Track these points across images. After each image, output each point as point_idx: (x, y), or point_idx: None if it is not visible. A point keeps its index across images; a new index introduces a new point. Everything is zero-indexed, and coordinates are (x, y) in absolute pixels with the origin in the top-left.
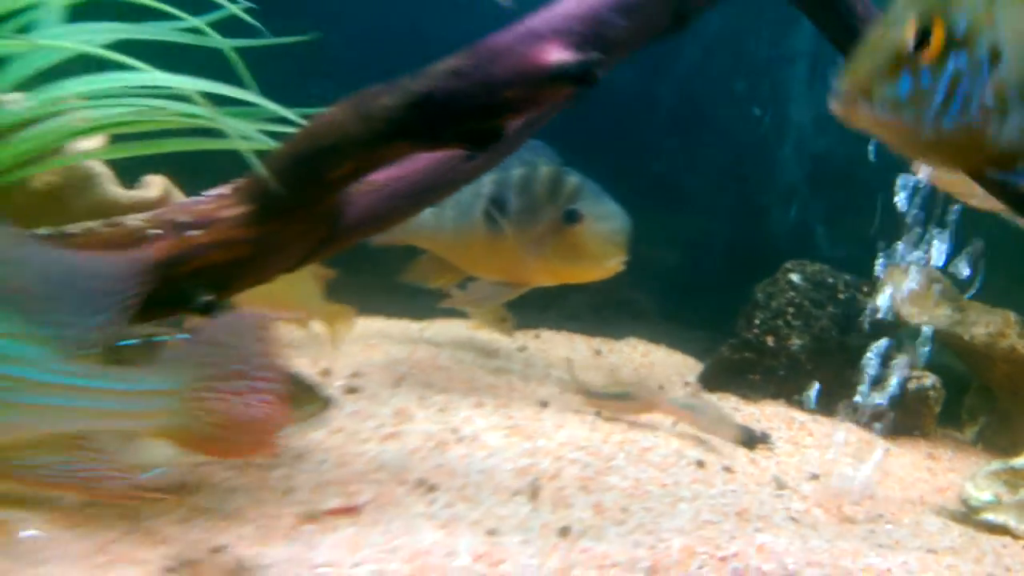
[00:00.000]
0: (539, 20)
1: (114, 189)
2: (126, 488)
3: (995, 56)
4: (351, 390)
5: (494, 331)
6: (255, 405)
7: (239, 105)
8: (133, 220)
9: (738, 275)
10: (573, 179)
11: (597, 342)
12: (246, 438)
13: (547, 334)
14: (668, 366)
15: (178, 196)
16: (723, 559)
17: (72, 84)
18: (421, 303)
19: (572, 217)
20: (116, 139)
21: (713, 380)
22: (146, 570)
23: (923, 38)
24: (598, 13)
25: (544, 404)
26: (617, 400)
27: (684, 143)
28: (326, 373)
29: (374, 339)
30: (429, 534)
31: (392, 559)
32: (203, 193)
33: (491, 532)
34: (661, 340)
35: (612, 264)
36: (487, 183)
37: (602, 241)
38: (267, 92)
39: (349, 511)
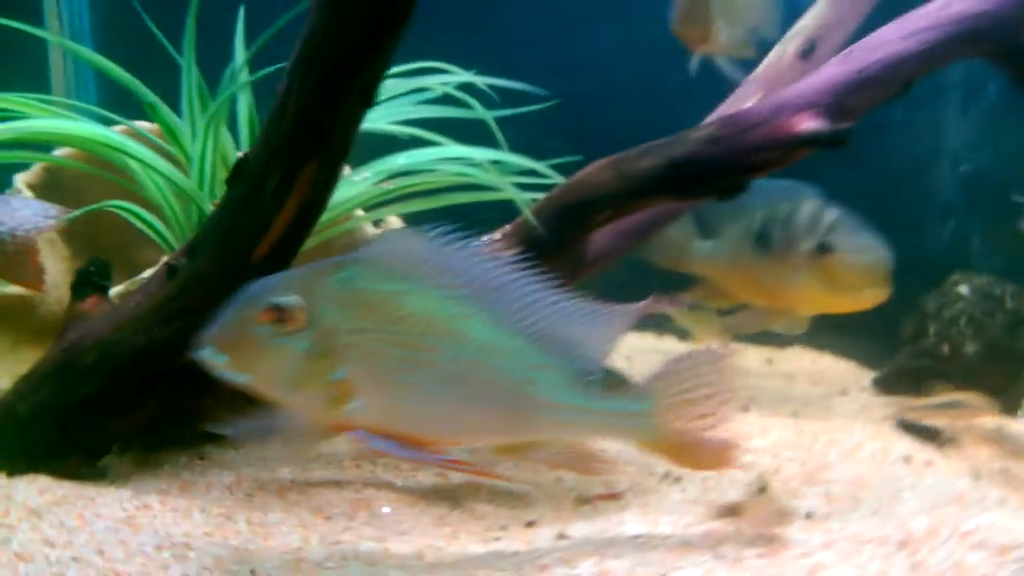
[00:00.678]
0: (789, 94)
1: (368, 228)
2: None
3: None
4: None
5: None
6: (717, 428)
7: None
8: None
9: (898, 285)
10: (833, 213)
11: (766, 351)
12: (710, 455)
13: (716, 344)
14: (838, 373)
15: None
16: (964, 534)
17: (392, 158)
18: None
19: (824, 248)
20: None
21: (892, 384)
22: (479, 537)
23: None
24: (839, 87)
25: (746, 409)
26: (948, 409)
27: (849, 167)
28: None
29: None
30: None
31: (690, 534)
32: (483, 238)
33: None
34: (825, 348)
35: (870, 295)
36: (757, 218)
37: (856, 272)
38: (514, 148)
39: (613, 496)
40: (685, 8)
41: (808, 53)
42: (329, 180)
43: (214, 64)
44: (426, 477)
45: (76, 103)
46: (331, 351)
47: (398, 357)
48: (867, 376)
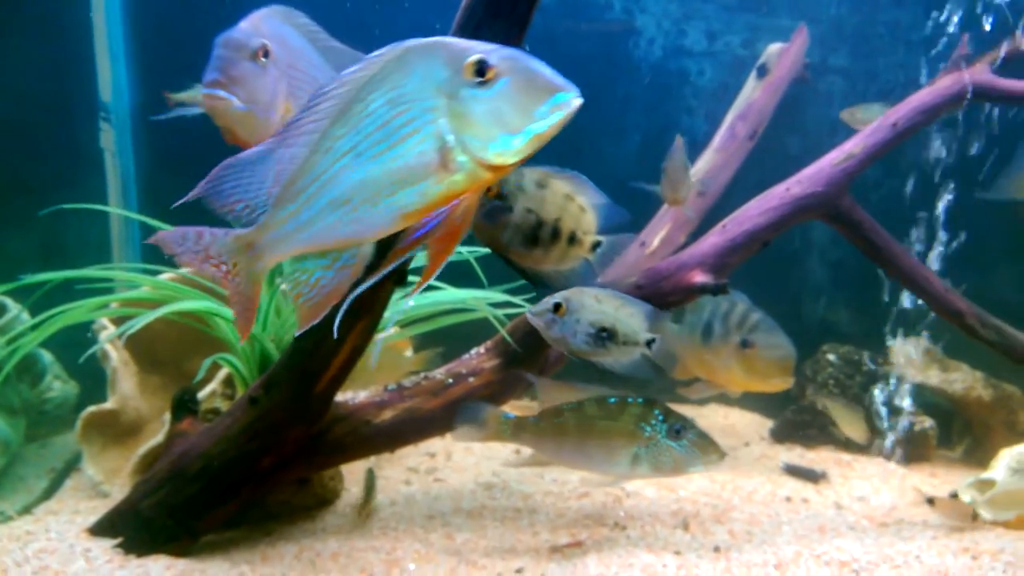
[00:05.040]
0: (687, 256)
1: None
2: None
3: (576, 322)
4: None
5: None
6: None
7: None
8: (440, 373)
9: None
10: (756, 315)
11: (687, 409)
12: None
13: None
14: (745, 424)
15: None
16: (818, 556)
17: (403, 302)
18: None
19: (746, 344)
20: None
21: (782, 435)
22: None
23: (557, 308)
24: (720, 251)
25: None
26: None
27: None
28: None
29: None
30: (644, 555)
31: (632, 571)
32: (472, 351)
33: (676, 552)
34: (735, 403)
35: (776, 383)
36: (706, 312)
37: (768, 365)
38: None
39: (578, 544)
40: (674, 180)
41: (703, 192)
42: (371, 333)
43: None
44: (437, 540)
45: (145, 265)
46: None
47: None
48: (767, 425)
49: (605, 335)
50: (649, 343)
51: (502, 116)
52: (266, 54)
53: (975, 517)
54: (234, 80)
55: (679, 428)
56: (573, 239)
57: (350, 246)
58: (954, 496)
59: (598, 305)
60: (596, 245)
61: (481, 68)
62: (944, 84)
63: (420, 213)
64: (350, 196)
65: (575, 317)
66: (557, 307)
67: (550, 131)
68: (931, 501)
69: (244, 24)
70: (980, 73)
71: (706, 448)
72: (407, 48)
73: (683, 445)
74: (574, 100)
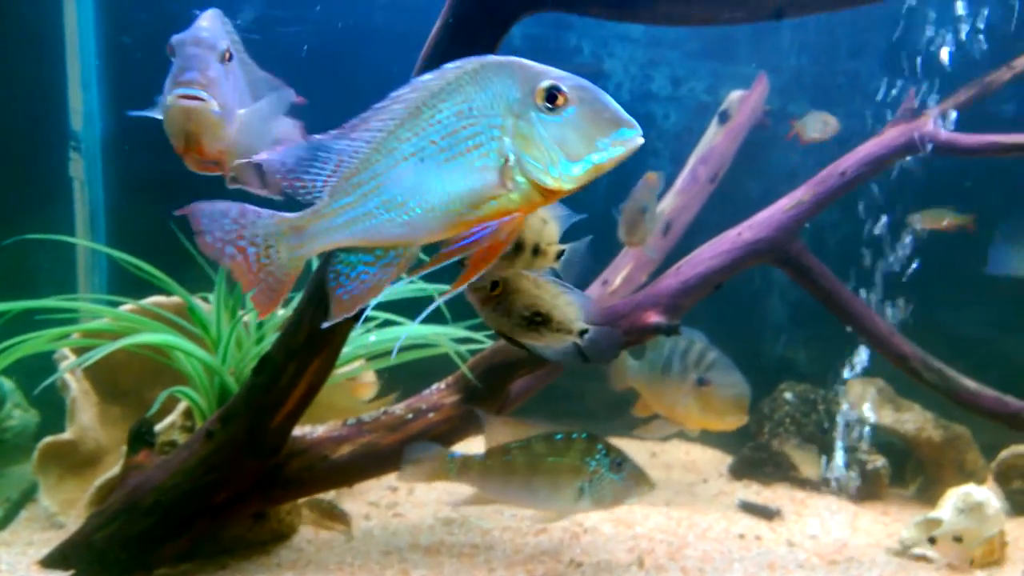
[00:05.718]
0: (642, 297)
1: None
2: None
3: (512, 303)
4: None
5: None
6: None
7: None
8: (400, 408)
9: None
10: (713, 354)
11: (650, 445)
12: None
13: (614, 439)
14: (706, 461)
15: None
16: None
17: (365, 336)
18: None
19: (702, 382)
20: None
21: (740, 471)
22: None
23: (495, 287)
24: (674, 292)
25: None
26: None
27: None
28: None
29: None
30: None
31: None
32: (433, 387)
33: None
34: (696, 440)
35: (731, 420)
36: (666, 350)
37: (723, 403)
38: None
39: None
40: (630, 221)
41: (666, 231)
42: (328, 369)
43: None
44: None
45: (110, 296)
46: None
47: None
48: (726, 461)
49: (539, 320)
50: (582, 333)
51: (566, 143)
52: (230, 57)
53: (972, 562)
54: (211, 82)
55: (620, 461)
56: (537, 251)
57: (396, 246)
58: (958, 540)
59: (535, 290)
60: (560, 254)
61: (552, 94)
62: (891, 136)
63: (470, 224)
64: (406, 199)
65: (511, 298)
66: (495, 286)
67: (609, 163)
68: (932, 540)
69: (204, 23)
70: (925, 126)
71: (639, 480)
72: (484, 63)
73: (622, 477)
74: (637, 138)
